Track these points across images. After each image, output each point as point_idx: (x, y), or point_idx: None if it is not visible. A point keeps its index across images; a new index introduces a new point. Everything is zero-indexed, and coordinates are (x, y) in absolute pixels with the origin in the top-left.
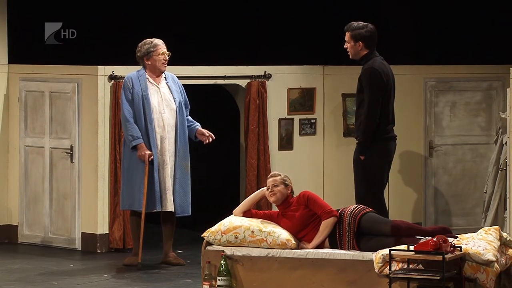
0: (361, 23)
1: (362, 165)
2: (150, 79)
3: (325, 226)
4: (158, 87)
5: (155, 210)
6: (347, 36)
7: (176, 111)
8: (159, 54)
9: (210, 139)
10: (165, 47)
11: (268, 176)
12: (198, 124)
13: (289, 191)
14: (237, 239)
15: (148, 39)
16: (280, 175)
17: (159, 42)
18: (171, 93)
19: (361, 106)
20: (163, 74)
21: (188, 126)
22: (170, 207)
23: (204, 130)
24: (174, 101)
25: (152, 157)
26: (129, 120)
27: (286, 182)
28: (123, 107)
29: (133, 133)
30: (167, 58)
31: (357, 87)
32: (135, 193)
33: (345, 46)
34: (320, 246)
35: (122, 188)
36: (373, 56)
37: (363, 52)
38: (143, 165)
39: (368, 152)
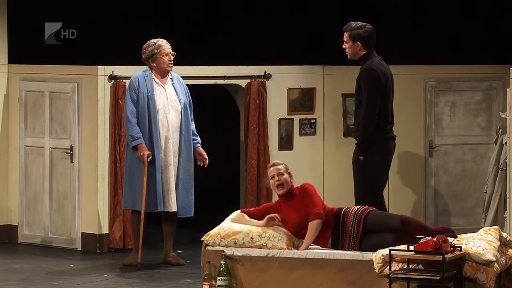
0: (360, 23)
1: (361, 165)
2: (156, 80)
3: (312, 228)
4: (164, 88)
5: (157, 211)
6: (346, 36)
7: (181, 112)
8: (163, 56)
9: (203, 163)
10: (169, 47)
11: (269, 166)
12: (200, 142)
13: (292, 180)
14: (236, 244)
15: (152, 40)
16: (282, 163)
17: (163, 42)
18: (177, 94)
19: (359, 106)
20: (169, 74)
21: None
22: (173, 207)
23: (203, 151)
24: (180, 102)
25: (150, 157)
26: (130, 120)
27: (289, 170)
28: (127, 107)
29: (133, 133)
30: (172, 58)
31: (355, 88)
32: (137, 193)
33: (343, 47)
34: (322, 245)
35: (124, 187)
36: (372, 56)
37: (361, 53)
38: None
39: (367, 152)
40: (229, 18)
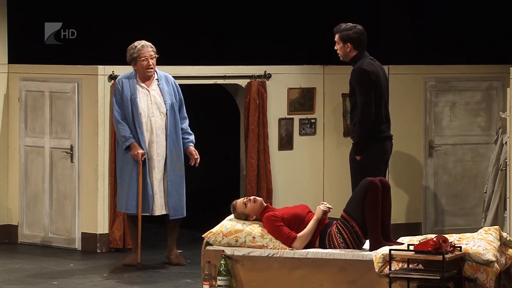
0: (350, 25)
1: (358, 164)
2: (140, 82)
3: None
4: (148, 90)
5: (147, 214)
6: (336, 37)
7: (166, 114)
8: (141, 61)
9: (194, 162)
10: (149, 51)
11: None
12: (192, 140)
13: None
14: (237, 242)
15: (135, 43)
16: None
17: (143, 47)
18: (162, 95)
19: (354, 108)
20: (155, 75)
21: (182, 138)
22: (157, 211)
23: (194, 151)
24: (165, 103)
25: (145, 156)
26: (120, 122)
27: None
28: (114, 109)
29: (125, 134)
30: (152, 62)
31: (349, 90)
32: (126, 195)
33: (335, 48)
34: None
35: (117, 190)
36: (363, 57)
37: (352, 54)
38: (133, 166)
39: (363, 152)
40: (229, 18)
